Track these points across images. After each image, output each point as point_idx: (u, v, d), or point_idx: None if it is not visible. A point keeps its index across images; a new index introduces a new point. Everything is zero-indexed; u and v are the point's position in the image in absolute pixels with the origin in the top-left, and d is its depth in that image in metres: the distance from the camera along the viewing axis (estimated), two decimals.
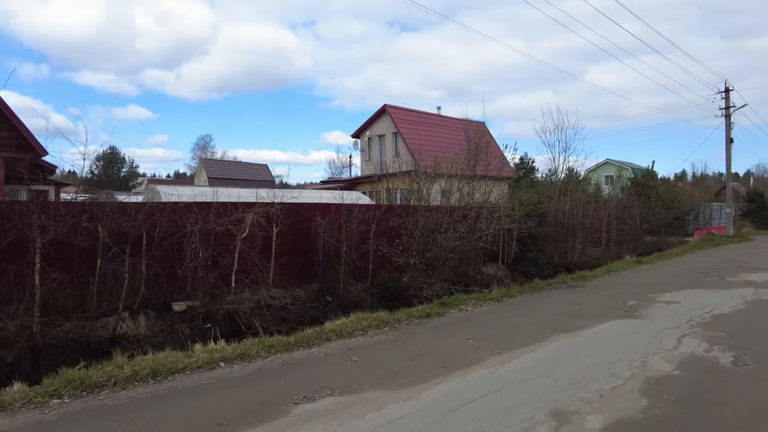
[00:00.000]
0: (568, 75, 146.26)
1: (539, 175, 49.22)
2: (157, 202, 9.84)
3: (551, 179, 21.27)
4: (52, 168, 14.19)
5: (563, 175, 18.76)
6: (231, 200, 11.42)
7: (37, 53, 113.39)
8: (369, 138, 25.64)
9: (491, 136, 30.58)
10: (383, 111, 24.97)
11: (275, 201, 11.46)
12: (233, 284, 10.55)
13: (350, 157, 42.15)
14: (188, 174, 76.00)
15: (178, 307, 10.58)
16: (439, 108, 28.76)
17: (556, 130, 18.29)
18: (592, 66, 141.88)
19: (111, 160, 50.81)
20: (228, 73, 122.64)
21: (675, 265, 15.14)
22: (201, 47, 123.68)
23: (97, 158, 45.71)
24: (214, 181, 38.25)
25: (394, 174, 19.18)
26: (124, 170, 49.31)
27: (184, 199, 10.86)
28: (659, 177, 34.10)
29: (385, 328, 7.76)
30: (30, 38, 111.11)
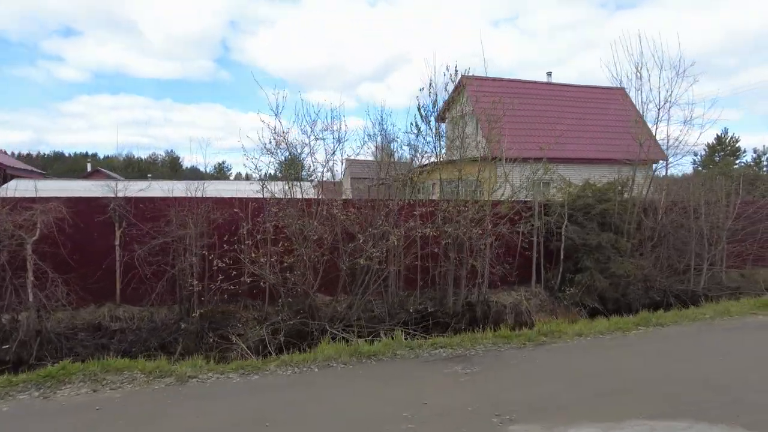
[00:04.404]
0: None
1: (747, 160, 34.13)
2: None
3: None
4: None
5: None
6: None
7: (279, 80, 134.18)
8: (452, 120, 20.41)
9: (636, 110, 21.65)
10: (462, 86, 19.53)
11: (117, 195, 8.65)
12: (30, 298, 8.13)
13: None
14: None
15: None
16: (549, 74, 21.52)
17: (636, 69, 10.81)
18: None
19: (291, 164, 55.31)
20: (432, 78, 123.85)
21: None
22: (405, 57, 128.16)
23: (279, 163, 48.97)
24: (354, 180, 37.49)
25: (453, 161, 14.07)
26: (304, 173, 52.96)
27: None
28: None
29: None
30: (274, 69, 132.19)
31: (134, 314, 8.82)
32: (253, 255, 7.66)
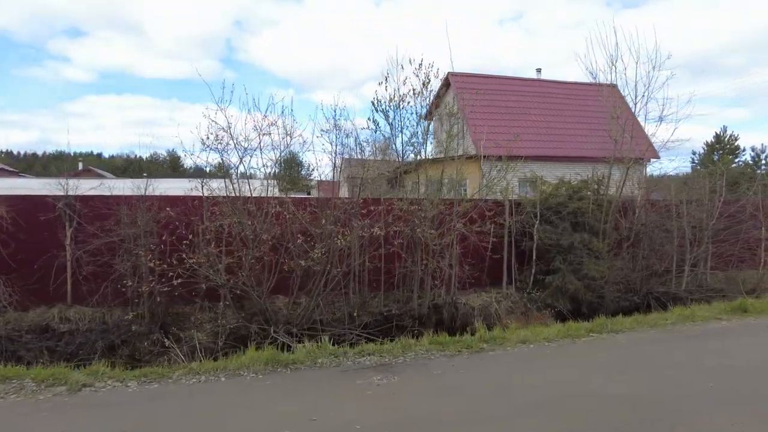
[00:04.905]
0: None
1: (746, 159, 33.15)
2: None
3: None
4: None
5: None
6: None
7: (284, 81, 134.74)
8: (439, 118, 19.99)
9: (627, 107, 21.06)
10: (448, 83, 19.14)
11: (67, 193, 8.35)
12: None
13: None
14: None
15: None
16: (539, 71, 20.94)
17: (611, 62, 10.32)
18: None
19: (291, 163, 55.12)
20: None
21: None
22: (410, 56, 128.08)
23: (280, 162, 49.14)
24: (352, 179, 37.32)
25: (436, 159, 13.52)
26: (303, 172, 52.72)
27: None
28: None
29: None
30: (280, 71, 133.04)
31: (86, 315, 8.54)
32: (195, 256, 7.31)
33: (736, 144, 30.02)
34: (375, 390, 4.27)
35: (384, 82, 8.60)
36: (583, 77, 16.48)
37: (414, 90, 8.73)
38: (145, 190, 8.02)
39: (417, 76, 9.30)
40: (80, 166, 29.44)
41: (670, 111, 9.69)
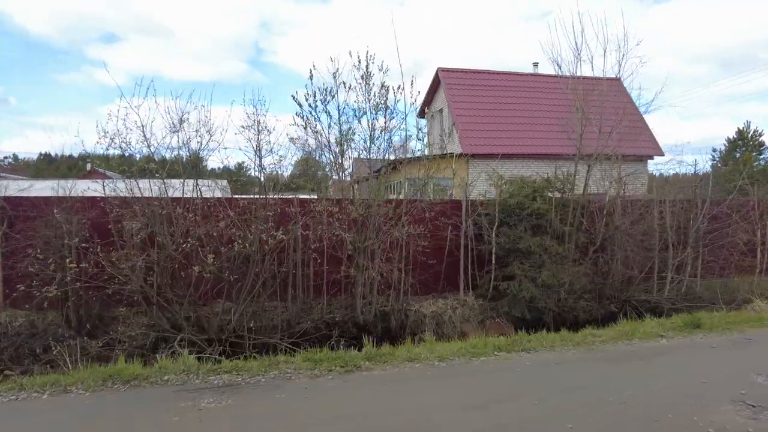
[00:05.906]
0: None
1: None
2: None
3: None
4: None
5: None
6: None
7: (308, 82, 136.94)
8: (432, 115, 19.25)
9: (630, 101, 19.64)
10: (439, 79, 18.22)
11: None
12: None
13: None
14: None
15: None
16: (536, 65, 19.77)
17: (576, 49, 9.48)
18: None
19: (306, 164, 55.35)
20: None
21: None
22: (431, 55, 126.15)
23: (296, 163, 49.36)
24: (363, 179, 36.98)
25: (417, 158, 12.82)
26: (320, 173, 52.95)
27: None
28: None
29: None
30: (306, 71, 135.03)
31: (18, 319, 8.40)
32: (104, 258, 6.99)
33: (760, 140, 27.63)
34: (188, 415, 3.75)
35: (311, 73, 8.06)
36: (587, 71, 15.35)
37: (345, 83, 8.14)
38: (60, 190, 7.81)
39: (358, 69, 8.72)
40: (88, 167, 30.21)
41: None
